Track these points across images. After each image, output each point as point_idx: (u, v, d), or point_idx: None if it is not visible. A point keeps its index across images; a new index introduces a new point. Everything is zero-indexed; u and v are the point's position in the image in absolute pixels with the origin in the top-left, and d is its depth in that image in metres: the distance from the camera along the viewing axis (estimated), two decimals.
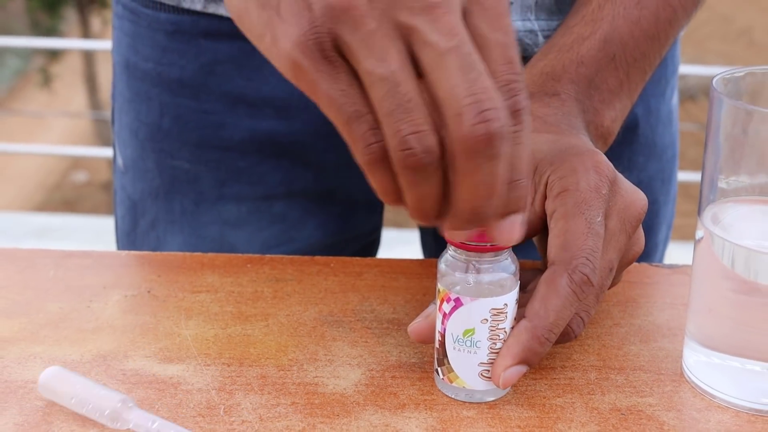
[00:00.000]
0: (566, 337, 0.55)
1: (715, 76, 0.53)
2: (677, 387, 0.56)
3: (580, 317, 0.55)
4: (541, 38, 0.72)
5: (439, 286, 0.53)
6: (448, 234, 0.52)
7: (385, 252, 0.87)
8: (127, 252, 0.70)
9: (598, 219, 0.53)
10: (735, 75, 0.55)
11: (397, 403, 0.54)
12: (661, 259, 0.87)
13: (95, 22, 10.33)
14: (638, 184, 0.80)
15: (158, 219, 0.80)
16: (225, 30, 0.73)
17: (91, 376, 0.56)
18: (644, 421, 0.53)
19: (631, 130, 0.77)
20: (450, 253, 0.53)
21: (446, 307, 0.53)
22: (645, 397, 0.55)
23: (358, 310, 0.63)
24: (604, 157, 0.56)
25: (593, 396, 0.55)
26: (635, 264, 0.69)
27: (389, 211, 0.92)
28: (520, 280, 0.56)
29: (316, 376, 0.56)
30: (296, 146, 0.76)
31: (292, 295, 0.65)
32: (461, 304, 0.52)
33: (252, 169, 0.76)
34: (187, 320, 0.62)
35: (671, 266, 0.69)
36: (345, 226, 0.81)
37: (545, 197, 0.55)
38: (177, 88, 0.76)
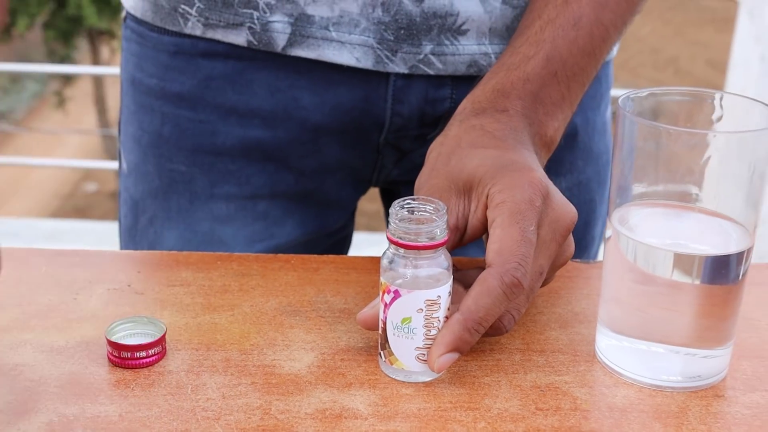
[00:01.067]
0: (498, 331, 0.55)
1: (621, 96, 0.54)
2: (590, 367, 0.56)
3: (511, 314, 0.55)
4: (494, 59, 0.73)
5: (382, 279, 0.53)
6: (389, 233, 0.52)
7: (355, 253, 0.87)
8: (111, 251, 0.69)
9: (531, 228, 0.54)
10: (638, 95, 0.55)
11: (344, 382, 0.54)
12: (597, 251, 0.87)
13: (104, 50, 10.27)
14: (578, 185, 0.81)
15: (156, 216, 0.80)
16: (220, 51, 0.74)
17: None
18: (560, 396, 0.53)
19: (571, 137, 0.78)
20: (391, 250, 0.53)
21: (387, 298, 0.53)
22: (562, 375, 0.55)
23: (314, 302, 0.63)
24: (540, 173, 0.57)
25: (517, 375, 0.55)
26: None
27: (361, 215, 0.92)
28: (462, 277, 0.56)
29: (274, 359, 0.56)
30: (279, 152, 0.76)
31: (256, 288, 0.64)
32: (399, 296, 0.52)
33: (240, 171, 0.77)
34: (162, 310, 0.61)
35: (588, 261, 0.69)
36: (319, 224, 0.81)
37: (486, 207, 0.56)
38: (177, 101, 0.76)
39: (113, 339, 0.55)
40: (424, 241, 0.52)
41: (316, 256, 0.69)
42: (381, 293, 0.53)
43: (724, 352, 0.55)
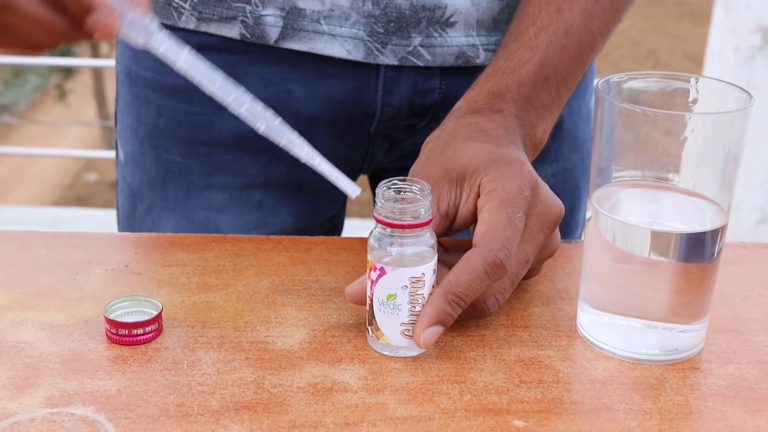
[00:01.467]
0: (482, 312, 0.55)
1: (599, 80, 0.54)
2: (572, 341, 0.56)
3: (496, 297, 0.55)
4: (481, 51, 0.73)
5: (368, 257, 0.53)
6: (375, 212, 0.52)
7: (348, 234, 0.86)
8: (109, 233, 0.69)
9: (519, 215, 0.54)
10: (616, 79, 0.55)
11: (335, 357, 0.54)
12: (581, 235, 0.88)
13: (104, 44, 10.20)
14: (563, 172, 0.81)
15: (154, 205, 0.79)
16: (214, 44, 0.73)
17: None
18: (543, 370, 0.53)
19: (557, 126, 0.78)
20: (377, 229, 0.53)
21: (373, 275, 0.52)
22: (545, 350, 0.55)
23: (306, 281, 0.63)
24: (530, 167, 0.57)
25: (501, 350, 0.55)
26: None
27: (352, 203, 0.91)
28: (449, 259, 0.56)
29: (267, 336, 0.56)
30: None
31: (250, 268, 0.64)
32: (385, 273, 0.52)
33: (235, 162, 0.76)
34: (158, 290, 0.61)
35: (571, 241, 0.69)
36: (312, 212, 0.81)
37: (477, 196, 0.56)
38: (172, 93, 0.76)
39: (111, 317, 0.55)
40: (409, 220, 0.52)
41: (307, 237, 0.69)
42: (368, 270, 0.53)
43: (700, 326, 0.55)
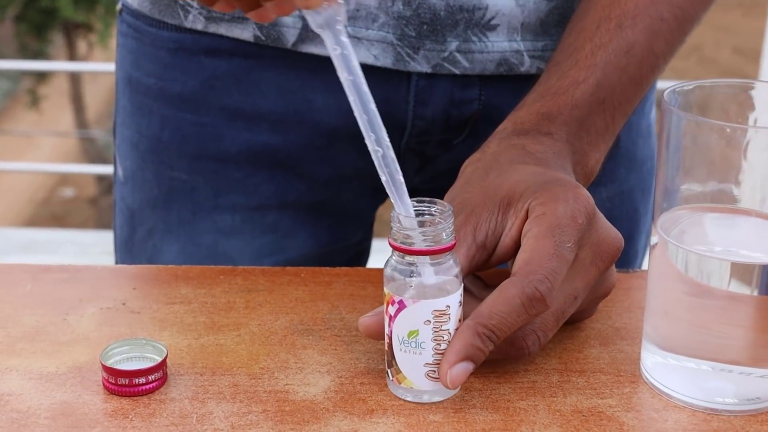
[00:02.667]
0: (520, 351, 0.54)
1: (666, 89, 0.53)
2: (636, 388, 0.55)
3: (537, 335, 0.54)
4: (526, 58, 0.72)
5: (385, 289, 0.53)
6: (390, 238, 0.52)
7: (376, 262, 0.86)
8: (102, 266, 0.68)
9: (568, 245, 0.53)
10: (684, 88, 0.54)
11: (365, 409, 0.53)
12: (640, 264, 0.87)
13: (81, 45, 10.27)
14: (620, 194, 0.80)
15: (155, 228, 0.79)
16: (225, 48, 0.73)
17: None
18: (605, 422, 0.52)
19: (613, 144, 0.78)
20: (394, 257, 0.52)
21: (391, 310, 0.52)
22: (605, 398, 0.54)
23: (328, 319, 0.62)
24: (586, 192, 0.56)
25: (555, 398, 0.54)
26: None
27: (384, 225, 0.91)
28: (484, 293, 0.55)
29: (287, 384, 0.55)
30: (290, 159, 0.76)
31: (264, 305, 0.63)
32: (404, 306, 0.51)
33: (247, 180, 0.76)
34: (161, 331, 0.60)
35: (628, 271, 0.68)
36: (335, 237, 0.80)
37: (525, 222, 0.55)
38: (178, 103, 0.76)
39: (109, 364, 0.54)
40: (429, 245, 0.51)
41: (328, 268, 0.68)
42: (385, 305, 0.53)
43: None
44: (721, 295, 0.51)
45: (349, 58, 0.51)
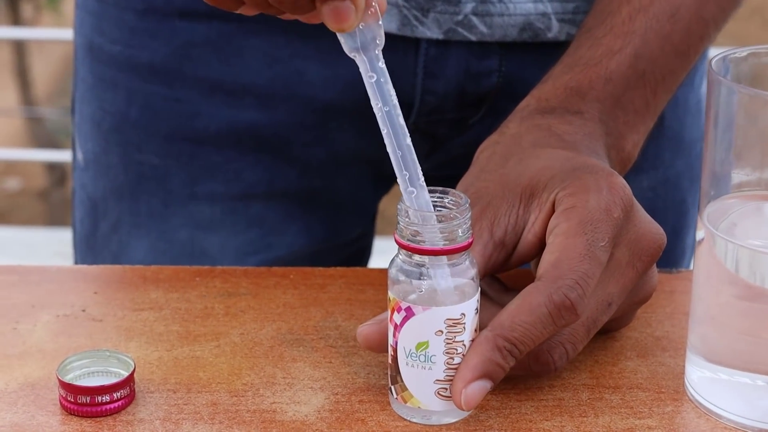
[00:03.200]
0: (545, 367, 0.55)
1: (713, 57, 0.54)
2: (679, 407, 0.56)
3: (564, 348, 0.55)
4: (554, 22, 0.73)
5: (390, 294, 0.53)
6: (397, 234, 0.53)
7: (378, 263, 0.87)
8: (58, 266, 0.69)
9: (602, 244, 0.54)
10: (737, 55, 0.55)
11: (365, 431, 0.54)
12: (689, 264, 0.88)
13: (26, 8, 10.26)
14: (664, 182, 0.81)
15: (121, 221, 0.80)
16: (202, 9, 0.74)
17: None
18: None
19: (656, 123, 0.78)
20: (401, 257, 0.53)
21: (397, 318, 0.53)
22: (644, 418, 0.55)
23: (321, 327, 0.63)
24: (623, 180, 0.57)
25: (585, 418, 0.55)
26: None
27: (383, 219, 0.92)
28: (504, 299, 0.56)
29: (274, 402, 0.56)
30: (279, 140, 0.77)
31: (247, 312, 0.64)
32: (413, 314, 0.52)
33: (228, 164, 0.77)
34: (127, 342, 0.61)
35: (671, 271, 0.69)
36: (330, 231, 0.81)
37: (549, 216, 0.56)
38: (147, 74, 0.76)
39: (67, 379, 0.56)
40: (442, 243, 0.52)
41: (321, 269, 0.69)
42: (390, 312, 0.54)
43: None
44: None
45: (384, 87, 0.52)
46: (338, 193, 0.80)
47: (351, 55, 0.52)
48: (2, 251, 3.19)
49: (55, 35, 3.43)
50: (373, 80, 0.52)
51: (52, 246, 3.02)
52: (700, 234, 0.55)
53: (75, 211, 0.85)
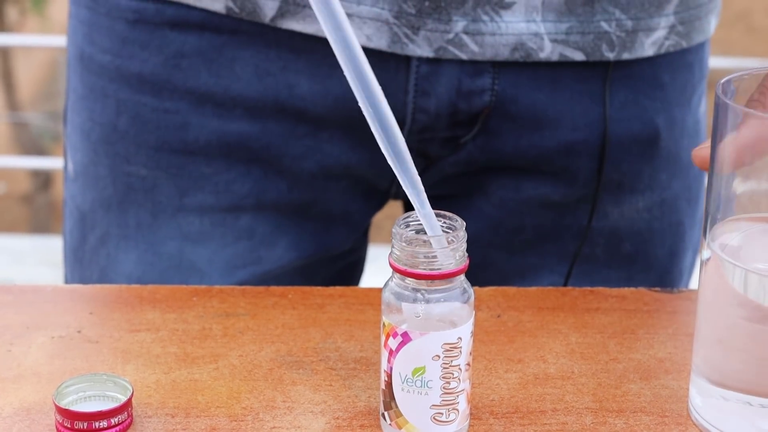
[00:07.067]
0: None
1: (721, 80, 0.54)
2: (684, 431, 0.56)
3: None
4: (547, 42, 0.73)
5: (384, 319, 0.53)
6: (392, 258, 0.52)
7: (371, 275, 0.87)
8: (53, 286, 0.69)
9: None
10: (742, 77, 0.55)
11: None
12: (687, 284, 0.88)
13: (11, 12, 10.24)
14: (660, 204, 0.81)
15: (109, 233, 0.80)
16: (193, 20, 0.74)
17: None
18: None
19: (651, 142, 0.78)
20: (395, 280, 0.53)
21: (393, 344, 0.53)
22: None
23: (321, 349, 0.63)
24: None
25: None
26: (632, 289, 0.69)
27: (378, 231, 0.92)
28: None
29: (274, 427, 0.56)
30: (269, 152, 0.76)
31: (245, 333, 0.64)
32: (409, 340, 0.52)
33: (217, 176, 0.77)
34: (124, 365, 0.61)
35: (672, 291, 0.69)
36: (321, 245, 0.81)
37: None
38: (136, 84, 0.76)
39: (63, 404, 0.55)
40: (438, 268, 0.52)
41: (320, 288, 0.69)
42: (384, 337, 0.53)
43: None
44: None
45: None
46: (329, 206, 0.80)
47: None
48: None
49: (40, 41, 3.41)
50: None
51: (39, 254, 3.00)
52: (706, 254, 0.55)
53: (64, 223, 0.85)
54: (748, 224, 0.54)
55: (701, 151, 0.55)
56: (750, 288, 0.53)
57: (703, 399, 0.56)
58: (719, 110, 0.53)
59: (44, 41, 3.20)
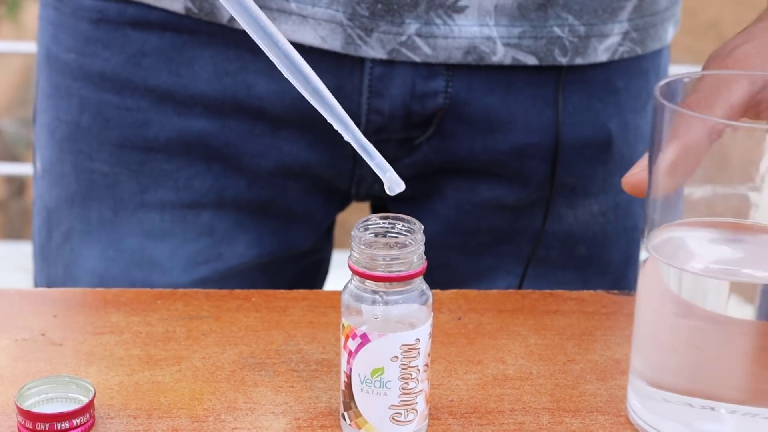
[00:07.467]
0: None
1: (658, 83, 0.54)
2: (638, 431, 0.57)
3: None
4: (500, 46, 0.73)
5: (344, 321, 0.54)
6: (351, 261, 0.53)
7: (338, 276, 0.87)
8: (17, 289, 0.69)
9: None
10: (680, 81, 0.55)
11: None
12: None
13: None
14: (615, 208, 0.81)
15: (73, 229, 0.80)
16: (154, 20, 0.74)
17: None
18: None
19: (604, 147, 0.79)
20: (354, 282, 0.54)
21: (352, 345, 0.53)
22: None
23: (283, 351, 0.63)
24: None
25: None
26: (591, 292, 0.70)
27: (341, 232, 0.92)
28: None
29: (235, 428, 0.56)
30: (229, 149, 0.77)
31: (208, 335, 0.64)
32: (368, 341, 0.53)
33: (178, 173, 0.77)
34: (87, 367, 0.61)
35: (630, 293, 0.70)
36: (281, 243, 0.81)
37: None
38: (99, 82, 0.77)
39: (25, 406, 0.55)
40: (397, 270, 0.52)
41: (283, 291, 0.69)
42: (343, 339, 0.54)
43: None
44: (717, 319, 0.52)
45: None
46: (289, 205, 0.80)
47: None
48: None
49: (12, 47, 3.38)
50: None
51: (12, 259, 2.98)
52: (643, 255, 0.55)
53: (34, 220, 0.85)
54: (684, 228, 0.54)
55: (632, 177, 0.56)
56: (684, 288, 0.53)
57: (642, 401, 0.56)
58: (657, 112, 0.53)
59: (18, 47, 3.18)
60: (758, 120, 0.56)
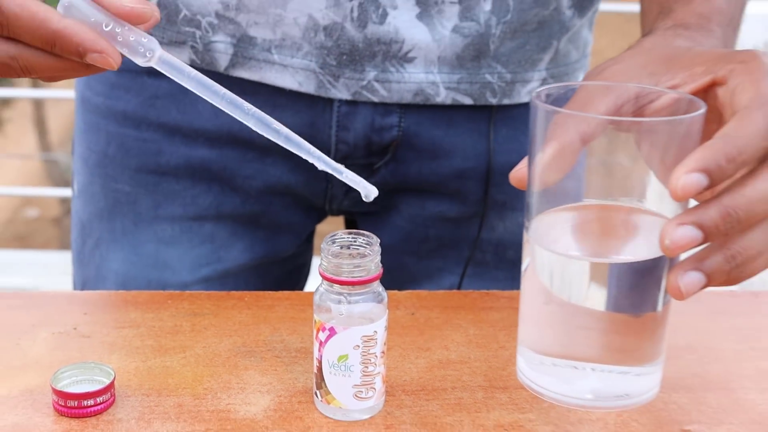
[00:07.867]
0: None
1: (534, 90, 0.52)
2: (554, 403, 0.57)
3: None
4: (442, 89, 0.74)
5: (315, 317, 0.54)
6: (321, 269, 0.53)
7: (317, 281, 0.86)
8: (55, 292, 0.68)
9: None
10: (554, 91, 0.53)
11: (302, 426, 0.54)
12: None
13: None
14: None
15: (102, 238, 0.80)
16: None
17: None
18: None
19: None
20: (324, 286, 0.54)
21: (322, 336, 0.53)
22: (526, 413, 0.56)
23: (269, 341, 0.63)
24: None
25: (480, 414, 0.56)
26: (519, 291, 0.70)
27: (321, 241, 0.92)
28: None
29: (229, 404, 0.56)
30: (225, 172, 0.78)
31: (209, 328, 0.64)
32: (335, 333, 0.53)
33: (185, 192, 0.78)
34: (110, 355, 0.61)
35: None
36: (270, 249, 0.82)
37: (705, 86, 0.51)
38: (122, 119, 0.78)
39: (59, 387, 0.55)
40: (358, 276, 0.53)
41: (270, 292, 0.69)
42: (315, 332, 0.54)
43: (654, 368, 0.53)
44: (573, 308, 0.51)
45: (179, 67, 0.57)
46: (275, 217, 0.81)
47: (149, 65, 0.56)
48: (23, 270, 3.14)
49: (65, 94, 3.38)
50: (165, 67, 0.57)
51: (62, 266, 2.97)
52: (526, 247, 0.54)
53: (72, 232, 0.86)
54: (555, 214, 0.52)
55: (517, 173, 0.54)
56: (545, 270, 0.51)
57: (527, 363, 0.54)
58: (533, 114, 0.51)
59: (69, 94, 3.17)
60: (620, 131, 0.54)
